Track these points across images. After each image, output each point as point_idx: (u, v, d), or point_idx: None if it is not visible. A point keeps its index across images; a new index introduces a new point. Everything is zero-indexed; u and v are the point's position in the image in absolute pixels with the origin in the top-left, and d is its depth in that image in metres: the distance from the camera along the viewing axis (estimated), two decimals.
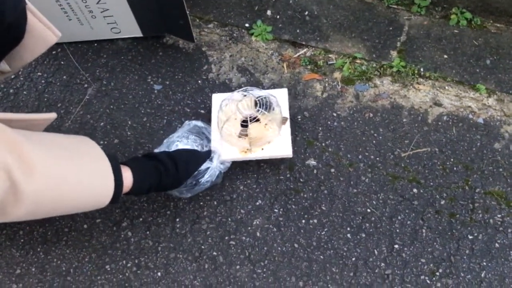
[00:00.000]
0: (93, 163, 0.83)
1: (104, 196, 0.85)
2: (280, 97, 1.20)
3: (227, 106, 1.14)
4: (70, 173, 0.78)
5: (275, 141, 1.15)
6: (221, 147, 1.13)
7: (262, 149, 1.14)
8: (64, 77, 1.30)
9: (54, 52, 1.33)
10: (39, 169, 0.72)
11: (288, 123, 1.18)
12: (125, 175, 0.89)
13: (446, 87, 1.35)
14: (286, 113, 1.19)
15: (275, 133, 1.14)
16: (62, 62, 1.32)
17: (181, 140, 1.12)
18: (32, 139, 0.76)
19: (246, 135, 1.12)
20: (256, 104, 1.13)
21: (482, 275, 1.11)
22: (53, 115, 0.88)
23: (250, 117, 1.11)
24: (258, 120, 1.13)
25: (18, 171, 0.69)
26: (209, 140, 1.14)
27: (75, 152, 0.82)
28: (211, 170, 1.07)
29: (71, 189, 0.78)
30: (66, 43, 1.34)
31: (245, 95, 1.13)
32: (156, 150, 1.11)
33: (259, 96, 1.12)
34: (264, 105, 1.11)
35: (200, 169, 1.06)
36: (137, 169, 0.93)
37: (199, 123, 1.15)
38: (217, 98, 1.22)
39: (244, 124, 1.14)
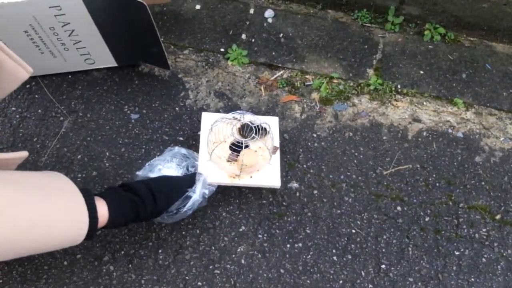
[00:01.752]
0: (66, 201, 0.81)
1: (78, 234, 0.83)
2: (271, 125, 1.18)
3: (217, 127, 1.13)
4: (42, 214, 0.76)
5: (264, 170, 1.13)
6: (209, 170, 1.11)
7: (251, 177, 1.12)
8: (39, 110, 1.28)
9: (28, 86, 1.31)
10: (8, 212, 0.70)
11: (278, 152, 1.16)
12: (101, 211, 0.87)
13: (424, 103, 1.36)
14: (276, 142, 1.17)
15: (266, 161, 1.13)
16: (37, 96, 1.30)
17: (163, 164, 1.09)
18: (3, 179, 0.75)
19: (235, 160, 1.11)
20: (241, 130, 1.12)
21: None
22: (24, 154, 0.86)
23: (241, 143, 1.09)
24: (247, 146, 1.12)
25: None
26: (194, 162, 1.12)
27: (47, 190, 0.80)
28: (193, 199, 1.04)
29: (43, 230, 0.76)
30: (40, 76, 1.32)
31: (239, 119, 1.12)
32: (138, 173, 1.09)
33: (257, 124, 1.10)
34: (259, 130, 1.10)
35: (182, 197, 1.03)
36: (113, 203, 0.90)
37: (183, 150, 1.13)
38: (206, 117, 1.19)
39: (234, 148, 1.12)
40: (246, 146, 1.11)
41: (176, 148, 1.14)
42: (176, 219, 1.06)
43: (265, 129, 1.13)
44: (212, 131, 1.13)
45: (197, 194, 1.04)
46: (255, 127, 1.09)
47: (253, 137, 1.08)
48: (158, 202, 0.97)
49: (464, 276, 1.12)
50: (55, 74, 1.33)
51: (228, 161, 1.11)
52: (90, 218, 0.84)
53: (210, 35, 1.44)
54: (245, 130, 1.13)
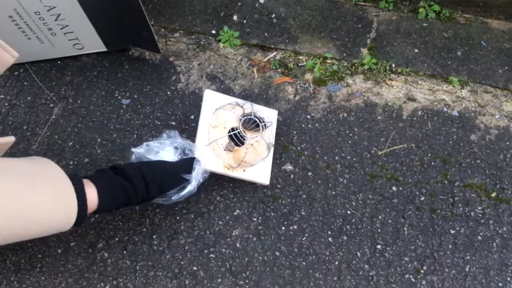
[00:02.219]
0: (55, 190, 0.80)
1: (67, 223, 0.82)
2: (269, 119, 1.17)
3: (219, 112, 1.12)
4: (29, 204, 0.75)
5: (257, 166, 1.13)
6: (206, 156, 1.08)
7: (244, 170, 1.12)
8: (28, 98, 1.26)
9: (16, 73, 1.29)
10: None
11: (272, 149, 1.15)
12: (90, 197, 0.85)
13: (419, 82, 1.34)
14: (272, 139, 1.16)
15: (260, 157, 1.13)
16: (25, 83, 1.28)
17: (162, 148, 1.05)
18: None
19: (231, 150, 1.10)
20: (245, 123, 1.11)
21: (467, 269, 1.10)
22: (11, 139, 0.85)
23: (244, 137, 1.08)
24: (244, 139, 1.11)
25: None
26: (191, 147, 1.09)
27: (35, 178, 0.79)
28: (188, 190, 1.01)
29: (31, 219, 0.75)
30: (28, 63, 1.30)
31: (241, 106, 1.11)
32: (134, 150, 1.03)
33: (264, 120, 1.10)
34: (264, 125, 1.09)
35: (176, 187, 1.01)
36: (103, 188, 0.88)
37: (179, 139, 1.10)
38: (209, 96, 1.14)
39: (233, 138, 1.10)
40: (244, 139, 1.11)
41: (173, 132, 1.11)
42: (169, 202, 1.04)
43: (266, 125, 1.11)
44: (215, 114, 1.12)
45: (193, 185, 1.01)
46: (262, 124, 1.09)
47: (257, 130, 1.07)
48: (150, 190, 0.94)
49: (460, 254, 1.11)
50: (44, 60, 1.31)
51: (224, 149, 1.10)
52: (79, 206, 0.82)
53: (201, 17, 1.42)
54: (248, 122, 1.12)
